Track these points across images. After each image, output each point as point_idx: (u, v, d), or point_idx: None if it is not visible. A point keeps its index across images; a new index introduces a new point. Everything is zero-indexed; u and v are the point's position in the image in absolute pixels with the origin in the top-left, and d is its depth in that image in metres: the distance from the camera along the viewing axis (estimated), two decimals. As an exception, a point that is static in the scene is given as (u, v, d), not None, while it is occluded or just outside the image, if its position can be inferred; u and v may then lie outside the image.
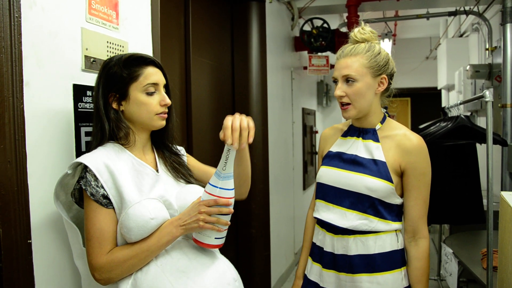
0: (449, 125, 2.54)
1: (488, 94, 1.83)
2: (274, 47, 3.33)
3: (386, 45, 5.25)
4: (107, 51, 1.38)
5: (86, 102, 1.30)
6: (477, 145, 2.56)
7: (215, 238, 1.06)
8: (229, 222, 1.08)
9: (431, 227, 4.55)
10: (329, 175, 1.37)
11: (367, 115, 1.35)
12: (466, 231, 2.79)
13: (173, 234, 1.05)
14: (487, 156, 1.85)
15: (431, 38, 7.47)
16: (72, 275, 1.24)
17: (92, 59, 1.32)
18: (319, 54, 4.06)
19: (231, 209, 1.06)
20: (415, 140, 1.31)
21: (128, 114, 1.14)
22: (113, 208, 1.06)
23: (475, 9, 3.81)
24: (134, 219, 1.02)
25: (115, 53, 1.41)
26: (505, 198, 1.26)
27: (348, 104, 1.32)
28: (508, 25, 3.08)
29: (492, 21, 3.89)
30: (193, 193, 1.15)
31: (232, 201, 1.07)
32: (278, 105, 3.44)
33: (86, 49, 1.30)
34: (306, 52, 4.18)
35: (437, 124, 2.79)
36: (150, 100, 1.13)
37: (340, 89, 1.31)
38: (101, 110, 1.11)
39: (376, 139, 1.34)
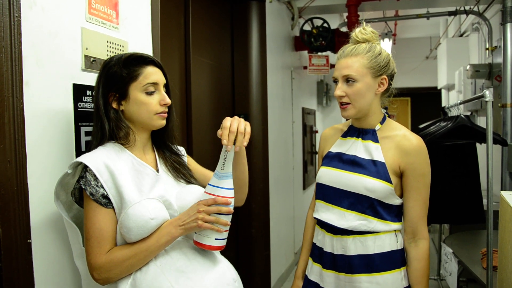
0: (449, 125, 2.54)
1: (488, 94, 1.83)
2: (274, 46, 3.33)
3: (386, 45, 5.24)
4: (107, 50, 1.38)
5: (86, 102, 1.30)
6: (477, 144, 2.56)
7: (216, 239, 1.06)
8: (229, 223, 1.08)
9: (431, 226, 4.55)
10: (328, 175, 1.37)
11: (367, 116, 1.35)
12: (466, 230, 2.79)
13: (173, 234, 1.05)
14: (487, 155, 1.85)
15: (431, 38, 7.47)
16: (72, 275, 1.24)
17: (92, 59, 1.32)
18: (319, 53, 4.06)
19: (230, 208, 1.06)
20: (415, 140, 1.31)
21: (128, 114, 1.14)
22: (113, 208, 1.06)
23: (475, 8, 3.81)
24: (134, 219, 1.02)
25: (115, 52, 1.41)
26: (505, 198, 1.26)
27: (348, 103, 1.32)
28: (508, 25, 3.08)
29: (492, 20, 3.89)
30: (193, 193, 1.15)
31: (231, 200, 1.06)
32: (278, 104, 3.44)
33: (86, 48, 1.30)
34: (306, 51, 4.18)
35: (437, 124, 2.79)
36: (149, 99, 1.12)
37: (340, 89, 1.31)
38: (101, 110, 1.11)
39: (376, 140, 1.34)
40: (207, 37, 2.56)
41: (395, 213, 1.33)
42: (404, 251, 1.35)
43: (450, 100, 5.78)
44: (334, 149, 1.42)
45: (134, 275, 1.05)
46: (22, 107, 1.06)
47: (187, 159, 1.32)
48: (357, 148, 1.36)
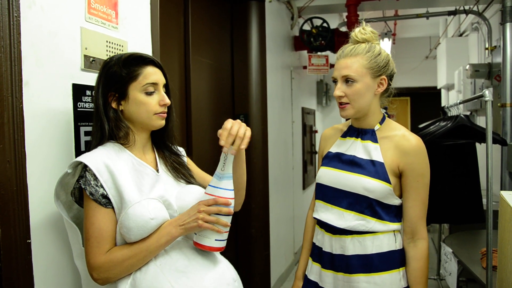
0: (449, 125, 2.54)
1: (488, 94, 1.83)
2: (274, 46, 3.33)
3: (385, 45, 5.25)
4: (107, 50, 1.38)
5: (85, 102, 1.30)
6: (477, 144, 2.56)
7: (216, 240, 1.06)
8: (229, 224, 1.08)
9: (431, 226, 4.56)
10: (328, 175, 1.37)
11: (366, 116, 1.35)
12: (465, 230, 2.79)
13: (172, 234, 1.05)
14: (487, 155, 1.85)
15: (430, 38, 7.46)
16: (72, 275, 1.24)
17: (91, 59, 1.32)
18: (319, 53, 4.06)
19: (230, 209, 1.06)
20: (414, 141, 1.31)
21: (128, 114, 1.14)
22: (112, 207, 1.06)
23: (475, 8, 3.81)
24: (133, 219, 1.02)
25: (115, 52, 1.41)
26: (504, 198, 1.26)
27: (347, 103, 1.32)
28: (508, 25, 3.08)
29: (492, 20, 3.89)
30: (193, 193, 1.15)
31: (232, 201, 1.06)
32: (278, 104, 3.44)
33: (86, 48, 1.30)
34: (305, 51, 4.18)
35: (437, 124, 2.79)
36: (149, 99, 1.12)
37: (339, 89, 1.31)
38: (100, 110, 1.11)
39: (375, 140, 1.34)
40: (206, 37, 2.56)
41: (394, 213, 1.33)
42: (403, 251, 1.35)
43: (450, 99, 5.78)
44: (333, 149, 1.42)
45: (134, 275, 1.05)
46: (21, 107, 1.06)
47: (187, 161, 1.32)
48: (356, 148, 1.36)
